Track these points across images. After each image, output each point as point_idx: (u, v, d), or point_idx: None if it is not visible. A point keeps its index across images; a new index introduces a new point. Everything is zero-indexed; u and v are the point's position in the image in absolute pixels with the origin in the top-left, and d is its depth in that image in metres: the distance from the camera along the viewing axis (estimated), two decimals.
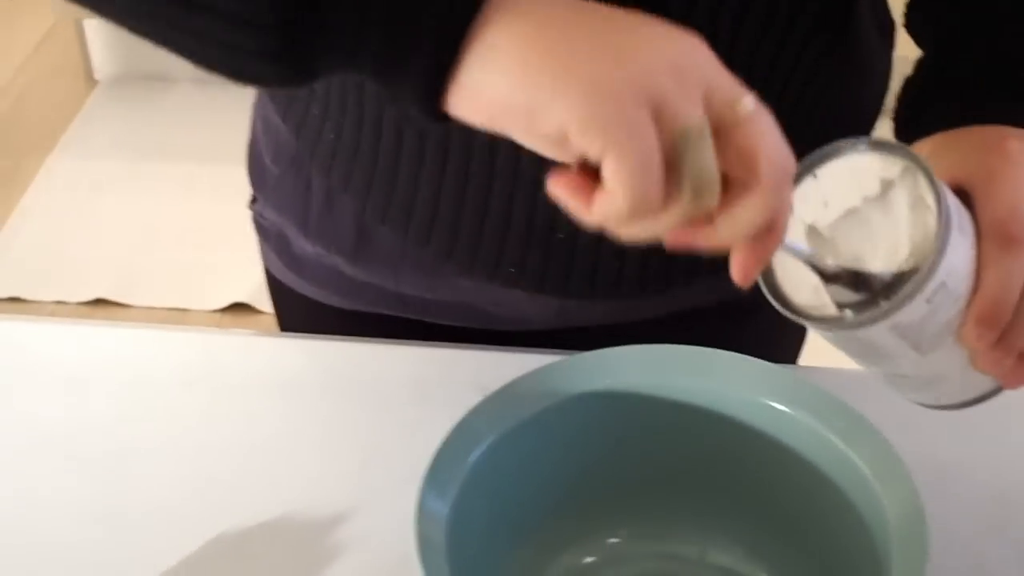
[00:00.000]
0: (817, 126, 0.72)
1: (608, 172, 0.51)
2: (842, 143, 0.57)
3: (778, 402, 0.70)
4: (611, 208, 0.52)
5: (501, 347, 0.89)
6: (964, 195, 0.59)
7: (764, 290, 0.58)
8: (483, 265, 0.82)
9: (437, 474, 0.65)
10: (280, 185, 0.88)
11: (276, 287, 0.98)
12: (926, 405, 0.64)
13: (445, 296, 0.87)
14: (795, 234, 0.57)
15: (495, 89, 0.53)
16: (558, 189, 0.54)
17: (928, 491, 0.64)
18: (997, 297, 0.56)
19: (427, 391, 0.82)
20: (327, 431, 0.85)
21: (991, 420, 0.73)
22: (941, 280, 0.54)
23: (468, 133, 0.57)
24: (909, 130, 0.71)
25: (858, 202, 0.56)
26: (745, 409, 0.71)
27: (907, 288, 0.53)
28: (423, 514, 0.63)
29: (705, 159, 0.50)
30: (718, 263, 0.56)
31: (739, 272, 0.55)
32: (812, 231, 0.57)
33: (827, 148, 0.57)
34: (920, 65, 0.76)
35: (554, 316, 0.88)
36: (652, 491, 0.75)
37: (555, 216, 0.57)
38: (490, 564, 0.70)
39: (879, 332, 0.55)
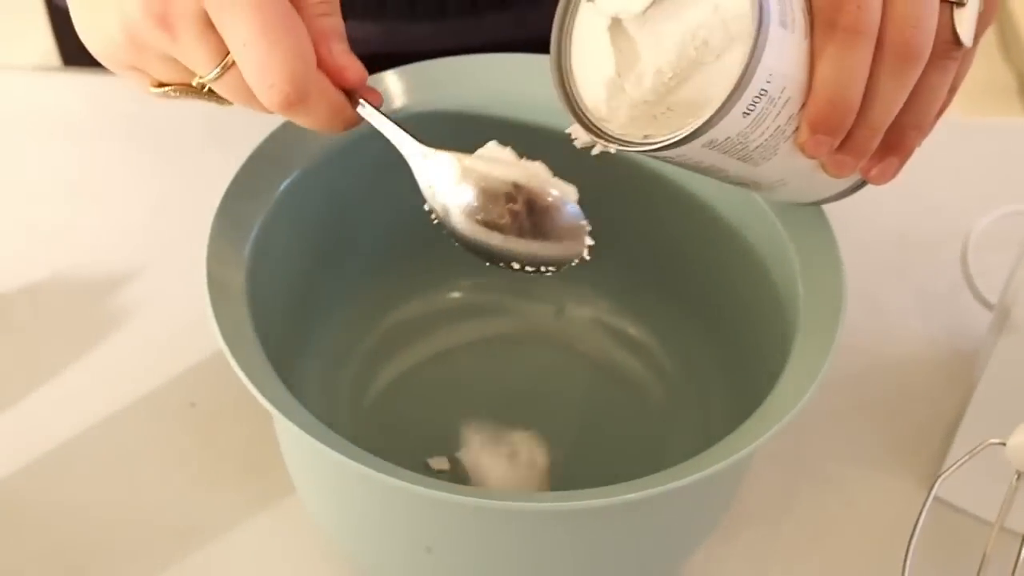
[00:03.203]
0: None
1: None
2: None
3: None
4: None
5: None
6: None
7: (555, 94, 0.46)
8: None
9: (231, 207, 0.52)
10: None
11: (54, 8, 0.85)
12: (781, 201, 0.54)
13: None
14: (595, 32, 0.45)
15: None
16: None
17: None
18: (833, 98, 0.45)
19: (221, 132, 0.67)
20: (110, 178, 0.75)
21: None
22: (760, 88, 0.43)
23: None
24: None
25: None
26: None
27: (715, 102, 0.42)
28: (214, 255, 0.50)
29: None
30: None
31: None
32: (616, 27, 0.45)
33: None
34: None
35: (376, 39, 0.74)
36: None
37: None
38: (302, 326, 0.58)
39: (692, 150, 0.45)
